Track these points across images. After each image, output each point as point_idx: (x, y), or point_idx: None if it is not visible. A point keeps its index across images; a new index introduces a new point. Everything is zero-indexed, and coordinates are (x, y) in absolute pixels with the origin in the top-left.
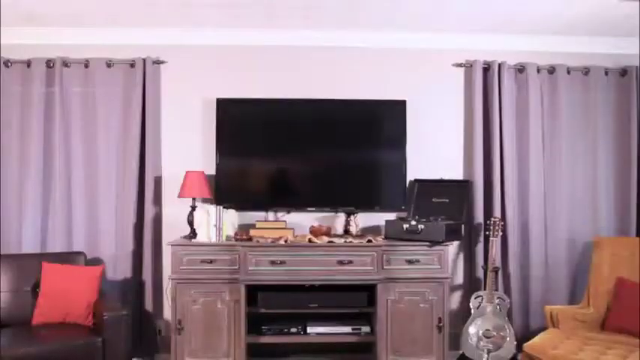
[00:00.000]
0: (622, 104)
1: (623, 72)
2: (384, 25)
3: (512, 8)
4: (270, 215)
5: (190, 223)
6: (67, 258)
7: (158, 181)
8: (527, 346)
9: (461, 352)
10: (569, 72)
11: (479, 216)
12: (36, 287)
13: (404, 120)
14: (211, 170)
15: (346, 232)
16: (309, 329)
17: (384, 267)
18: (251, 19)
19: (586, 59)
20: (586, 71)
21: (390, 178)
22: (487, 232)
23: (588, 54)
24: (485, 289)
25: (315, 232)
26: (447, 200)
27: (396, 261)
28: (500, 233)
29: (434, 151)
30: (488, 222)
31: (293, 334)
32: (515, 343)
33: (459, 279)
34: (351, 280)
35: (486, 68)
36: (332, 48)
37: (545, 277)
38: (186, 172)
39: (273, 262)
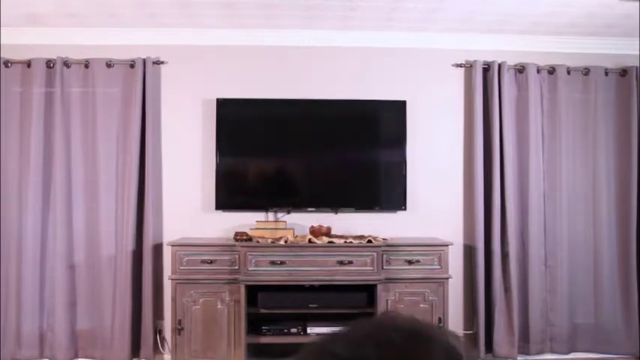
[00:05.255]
0: (622, 104)
1: (623, 72)
2: (384, 25)
3: (512, 8)
4: (270, 215)
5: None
6: None
7: (158, 181)
8: None
9: None
10: (569, 72)
11: (479, 216)
12: None
13: (404, 120)
14: (211, 170)
15: None
16: (309, 329)
17: (384, 267)
18: (251, 19)
19: (586, 59)
20: (586, 71)
21: (390, 178)
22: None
23: (588, 54)
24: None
25: (315, 232)
26: None
27: (396, 261)
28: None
29: (434, 151)
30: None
31: (293, 334)
32: None
33: (459, 279)
34: (351, 281)
35: (486, 68)
36: (332, 48)
37: (545, 278)
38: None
39: (273, 263)
